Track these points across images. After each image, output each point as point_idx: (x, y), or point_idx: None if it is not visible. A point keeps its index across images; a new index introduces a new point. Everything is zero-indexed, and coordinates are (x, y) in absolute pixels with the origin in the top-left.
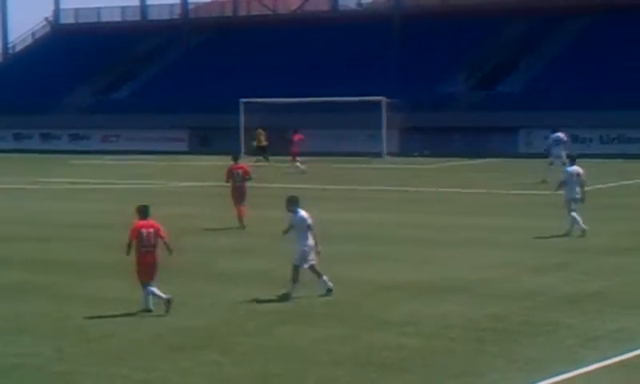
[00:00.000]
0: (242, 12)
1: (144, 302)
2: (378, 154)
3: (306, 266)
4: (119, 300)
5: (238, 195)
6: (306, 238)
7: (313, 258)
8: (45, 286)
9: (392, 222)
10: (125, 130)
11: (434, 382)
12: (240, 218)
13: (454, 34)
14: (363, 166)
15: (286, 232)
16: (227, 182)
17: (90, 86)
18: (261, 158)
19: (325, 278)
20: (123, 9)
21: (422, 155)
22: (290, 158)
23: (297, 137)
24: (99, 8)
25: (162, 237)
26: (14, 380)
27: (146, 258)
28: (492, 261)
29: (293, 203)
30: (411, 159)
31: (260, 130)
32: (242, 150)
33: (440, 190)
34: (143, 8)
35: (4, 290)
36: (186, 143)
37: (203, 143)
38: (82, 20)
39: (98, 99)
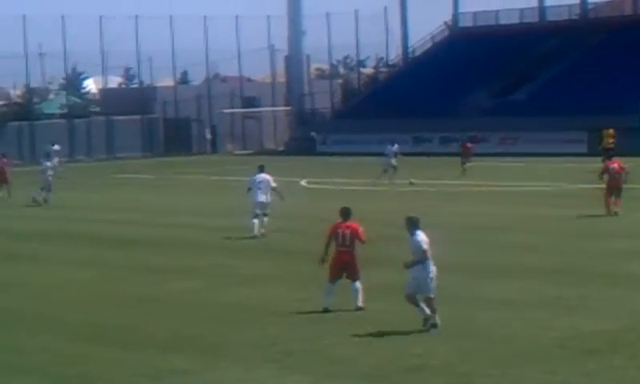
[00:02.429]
0: None
1: (326, 297)
2: None
3: (419, 295)
4: (519, 302)
5: (612, 188)
6: (431, 264)
7: (431, 289)
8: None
9: None
10: (523, 131)
11: None
12: (608, 206)
13: None
14: None
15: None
16: (601, 177)
17: (487, 89)
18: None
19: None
20: (521, 11)
21: None
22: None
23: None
24: (497, 11)
25: (359, 238)
26: (419, 379)
27: (340, 257)
28: None
29: (411, 224)
30: None
31: (609, 131)
32: None
33: None
34: (541, 9)
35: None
36: (584, 144)
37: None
38: (480, 23)
39: (496, 101)
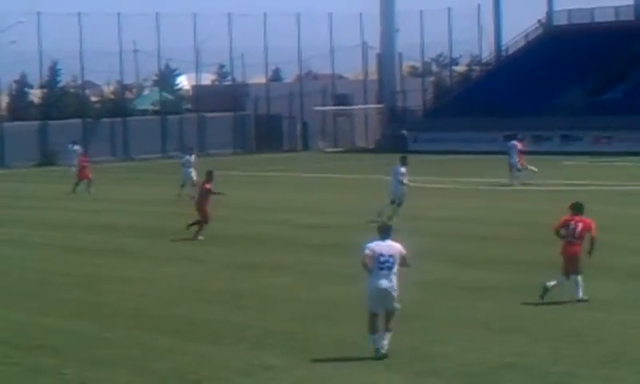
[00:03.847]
0: None
1: (576, 291)
2: None
3: (379, 310)
4: (613, 302)
5: None
6: (381, 276)
7: (391, 303)
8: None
9: None
10: (617, 131)
11: None
12: None
13: None
14: None
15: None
16: None
17: (581, 87)
18: None
19: (388, 334)
20: (617, 9)
21: None
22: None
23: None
24: (592, 9)
25: (591, 232)
26: (511, 378)
27: (567, 248)
28: None
29: (381, 231)
30: None
31: None
32: None
33: None
34: (637, 7)
35: (498, 290)
36: None
37: None
38: (574, 21)
39: (590, 100)
